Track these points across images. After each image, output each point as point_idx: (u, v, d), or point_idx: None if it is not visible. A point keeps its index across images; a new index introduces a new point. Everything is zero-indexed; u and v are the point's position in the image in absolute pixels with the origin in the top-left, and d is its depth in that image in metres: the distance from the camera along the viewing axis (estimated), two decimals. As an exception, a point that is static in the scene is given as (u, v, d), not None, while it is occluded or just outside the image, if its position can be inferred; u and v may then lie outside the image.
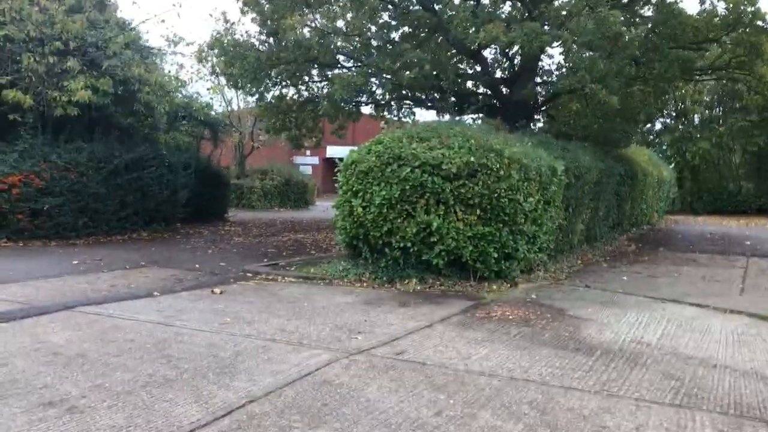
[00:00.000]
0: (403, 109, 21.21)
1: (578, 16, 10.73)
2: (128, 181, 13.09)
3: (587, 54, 12.24)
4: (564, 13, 12.72)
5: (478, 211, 8.40)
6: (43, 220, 11.49)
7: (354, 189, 8.72)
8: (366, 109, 19.67)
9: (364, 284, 8.40)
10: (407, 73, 10.74)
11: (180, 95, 16.76)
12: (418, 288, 8.20)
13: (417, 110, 21.57)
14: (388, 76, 11.72)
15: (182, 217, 15.56)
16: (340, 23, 13.42)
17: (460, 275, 8.58)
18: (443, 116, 19.36)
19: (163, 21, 12.35)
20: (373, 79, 11.30)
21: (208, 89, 32.82)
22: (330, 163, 52.12)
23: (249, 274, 9.02)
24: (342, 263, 9.07)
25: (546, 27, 12.31)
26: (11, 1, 9.70)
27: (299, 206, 30.30)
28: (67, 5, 10.49)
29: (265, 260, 10.46)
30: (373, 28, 11.05)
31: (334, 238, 13.76)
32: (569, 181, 10.61)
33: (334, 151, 48.02)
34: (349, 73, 11.17)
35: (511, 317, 6.69)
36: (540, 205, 9.24)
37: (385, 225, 8.44)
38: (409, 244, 8.38)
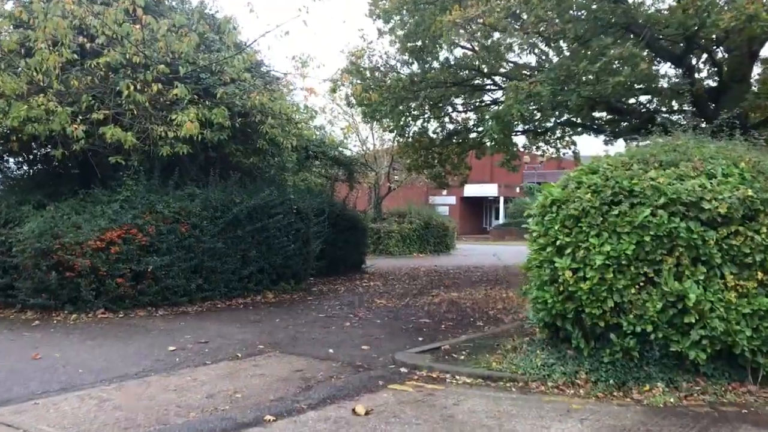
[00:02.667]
0: (564, 138, 18.14)
1: None
2: (250, 232, 10.84)
3: None
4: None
5: (759, 275, 5.50)
6: (148, 284, 9.30)
7: (557, 242, 5.81)
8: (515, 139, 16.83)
9: (580, 390, 5.52)
10: (612, 78, 7.76)
11: (312, 129, 14.50)
12: (670, 400, 5.22)
13: (576, 138, 18.29)
14: (574, 87, 8.70)
15: (314, 272, 13.21)
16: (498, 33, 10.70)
17: (727, 374, 5.62)
18: (613, 142, 16.20)
19: (287, 33, 10.22)
20: (564, 88, 8.34)
21: (341, 128, 31.19)
22: (467, 203, 49.28)
23: (403, 369, 6.25)
24: (538, 353, 6.10)
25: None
26: (104, 16, 7.76)
27: (439, 251, 27.63)
28: (177, 23, 8.37)
29: (420, 340, 7.67)
30: (557, 20, 8.16)
31: (502, 301, 10.79)
32: None
33: (472, 189, 45.07)
34: (528, 82, 8.32)
35: None
36: None
37: (611, 298, 5.57)
38: (649, 328, 5.44)
